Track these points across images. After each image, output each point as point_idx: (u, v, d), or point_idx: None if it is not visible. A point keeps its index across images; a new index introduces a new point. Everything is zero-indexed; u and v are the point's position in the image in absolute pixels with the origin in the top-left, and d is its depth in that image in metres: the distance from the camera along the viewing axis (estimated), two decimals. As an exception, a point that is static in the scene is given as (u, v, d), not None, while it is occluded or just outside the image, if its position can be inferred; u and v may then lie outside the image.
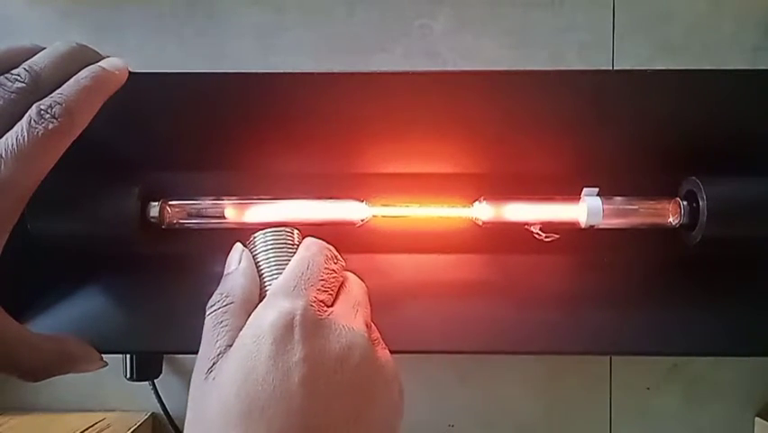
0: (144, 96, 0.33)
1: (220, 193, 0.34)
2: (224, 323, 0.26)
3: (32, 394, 0.52)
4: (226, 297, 0.27)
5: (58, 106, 0.26)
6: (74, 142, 0.27)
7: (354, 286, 0.29)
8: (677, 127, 0.34)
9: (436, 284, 0.35)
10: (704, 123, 0.34)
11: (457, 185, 0.35)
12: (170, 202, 0.34)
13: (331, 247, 0.29)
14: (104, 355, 0.31)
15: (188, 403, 0.25)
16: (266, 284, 0.28)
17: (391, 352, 0.28)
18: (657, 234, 0.35)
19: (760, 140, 0.34)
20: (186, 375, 0.53)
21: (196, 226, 0.34)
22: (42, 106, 0.26)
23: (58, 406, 0.52)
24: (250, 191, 0.35)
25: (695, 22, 0.49)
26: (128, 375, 0.48)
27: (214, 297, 0.27)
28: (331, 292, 0.27)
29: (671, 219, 0.33)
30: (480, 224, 0.34)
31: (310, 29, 0.50)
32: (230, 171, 0.36)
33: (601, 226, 0.33)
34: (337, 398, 0.24)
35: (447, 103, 0.34)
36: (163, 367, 0.51)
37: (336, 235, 0.30)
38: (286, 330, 0.24)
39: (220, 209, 0.34)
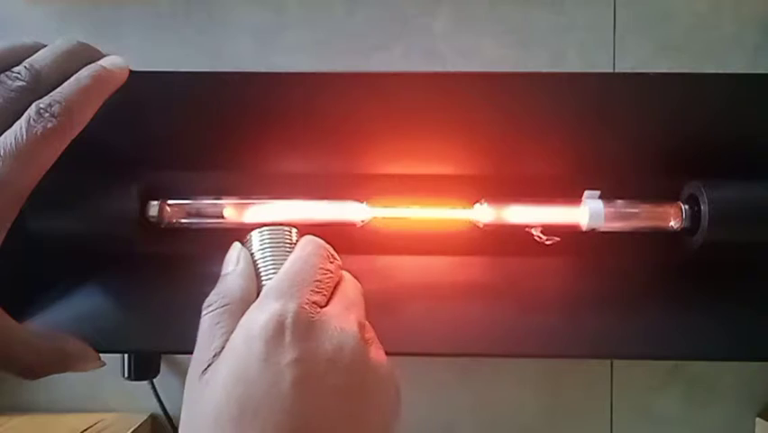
0: (144, 96, 0.33)
1: (219, 193, 0.34)
2: (220, 324, 0.26)
3: (31, 394, 0.52)
4: (223, 297, 0.27)
5: (57, 105, 0.26)
6: (73, 140, 0.27)
7: (349, 286, 0.28)
8: (679, 130, 0.34)
9: (437, 286, 0.35)
10: (706, 126, 0.34)
11: (458, 187, 0.35)
12: (169, 202, 0.34)
13: (327, 246, 0.29)
14: (102, 355, 0.31)
15: (183, 405, 0.25)
16: (263, 284, 0.28)
17: (391, 354, 0.27)
18: (659, 237, 0.34)
19: (762, 144, 0.34)
20: (184, 375, 0.53)
21: (195, 226, 0.34)
22: (42, 105, 0.26)
23: (57, 406, 0.52)
24: (249, 191, 0.35)
25: (696, 21, 0.49)
26: (126, 375, 0.48)
27: (210, 297, 0.27)
28: (325, 293, 0.27)
29: (672, 223, 0.33)
30: (481, 226, 0.34)
31: (310, 28, 0.50)
32: (229, 171, 0.36)
33: (603, 229, 0.33)
34: (330, 399, 0.24)
35: (448, 104, 0.34)
36: (161, 367, 0.51)
37: (337, 236, 0.30)
38: (277, 332, 0.24)
39: (219, 209, 0.34)
